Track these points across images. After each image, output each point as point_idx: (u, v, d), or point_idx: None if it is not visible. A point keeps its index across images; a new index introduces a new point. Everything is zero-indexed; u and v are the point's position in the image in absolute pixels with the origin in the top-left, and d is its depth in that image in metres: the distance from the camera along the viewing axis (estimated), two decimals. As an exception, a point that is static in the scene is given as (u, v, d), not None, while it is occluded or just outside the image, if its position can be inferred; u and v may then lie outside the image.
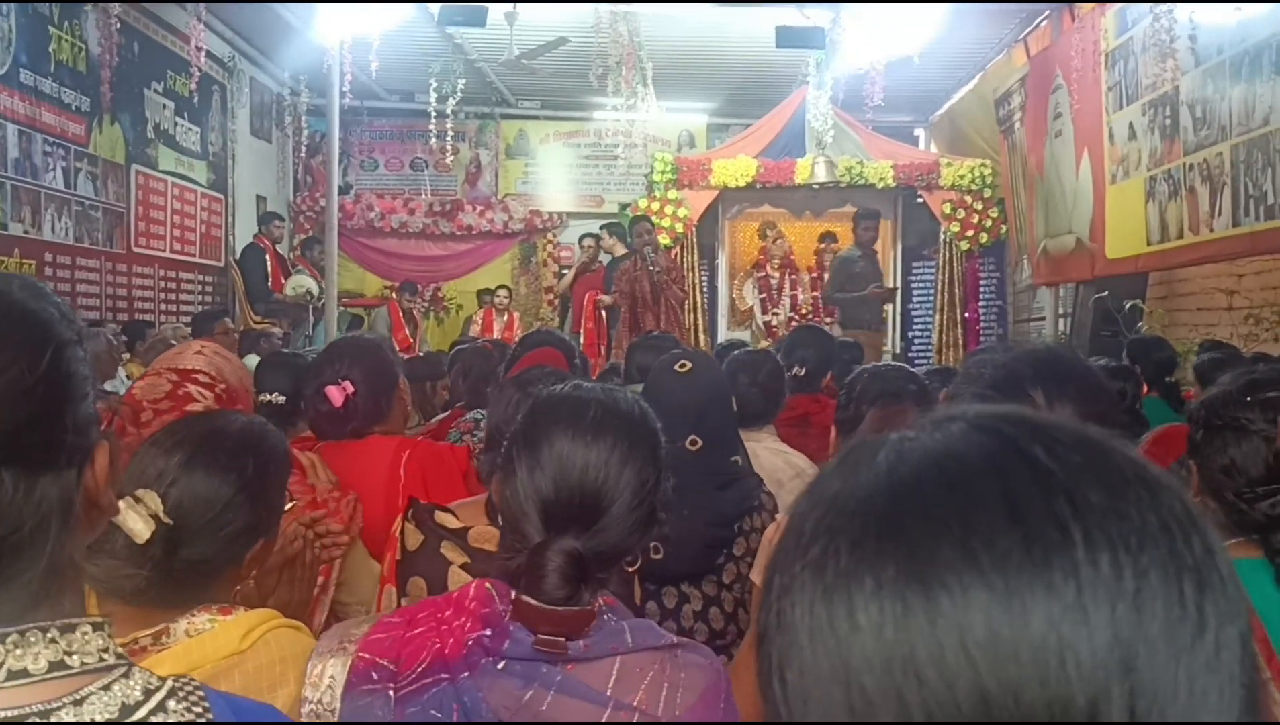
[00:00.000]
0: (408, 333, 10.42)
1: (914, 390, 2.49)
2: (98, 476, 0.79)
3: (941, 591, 0.46)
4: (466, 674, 1.21)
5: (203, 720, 0.76)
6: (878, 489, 0.51)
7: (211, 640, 1.38)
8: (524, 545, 1.26)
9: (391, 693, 1.21)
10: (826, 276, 9.41)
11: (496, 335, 10.04)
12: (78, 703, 0.72)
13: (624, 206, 11.41)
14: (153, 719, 0.74)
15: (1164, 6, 6.31)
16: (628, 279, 8.57)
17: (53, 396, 0.75)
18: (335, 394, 2.45)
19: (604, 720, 1.20)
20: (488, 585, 1.26)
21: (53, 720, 0.71)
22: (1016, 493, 0.48)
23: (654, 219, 9.85)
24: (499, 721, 1.19)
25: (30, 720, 0.70)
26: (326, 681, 1.26)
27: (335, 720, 1.23)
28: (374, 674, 1.22)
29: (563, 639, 1.23)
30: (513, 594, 1.25)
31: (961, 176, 10.29)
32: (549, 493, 1.27)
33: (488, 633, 1.22)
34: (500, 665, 1.21)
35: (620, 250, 10.21)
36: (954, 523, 0.47)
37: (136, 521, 1.33)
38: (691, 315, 10.17)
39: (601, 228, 10.51)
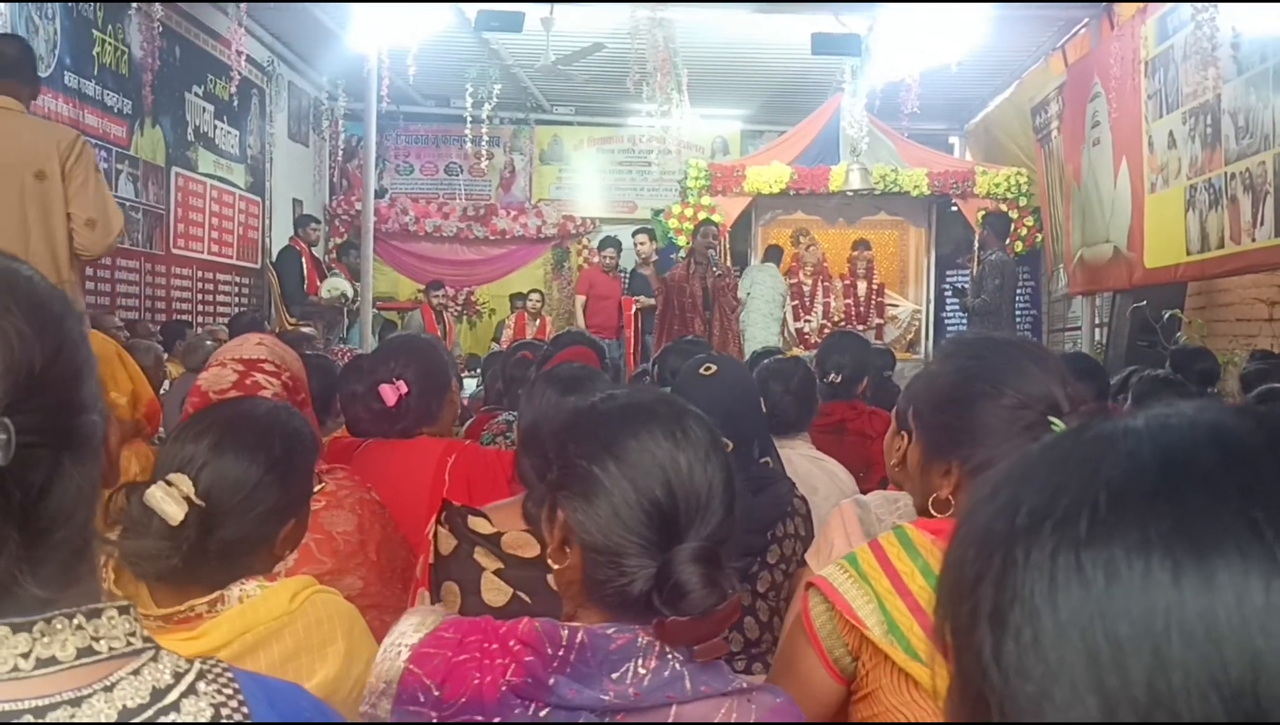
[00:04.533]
0: (440, 334, 10.47)
1: None
2: (111, 453, 0.79)
3: (1217, 555, 0.47)
4: (498, 720, 1.17)
5: (234, 700, 0.76)
6: (1143, 451, 0.51)
7: (263, 603, 1.46)
8: (618, 565, 1.17)
9: (435, 718, 1.20)
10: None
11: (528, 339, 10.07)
12: (109, 689, 0.72)
13: (657, 212, 11.42)
14: (183, 701, 0.74)
15: (1206, 14, 6.23)
16: (677, 280, 8.35)
17: (75, 375, 0.75)
18: (389, 393, 2.45)
19: None
20: (537, 625, 1.19)
21: (84, 707, 0.70)
22: None
23: (685, 225, 9.84)
24: None
25: (62, 706, 0.69)
26: (397, 650, 1.25)
27: (388, 696, 1.23)
28: (420, 695, 1.21)
29: (723, 642, 1.16)
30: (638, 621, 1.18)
31: (997, 185, 10.20)
32: (664, 499, 1.18)
33: (528, 680, 1.16)
34: (544, 713, 1.16)
35: (654, 257, 10.19)
36: (1234, 492, 0.48)
37: (170, 504, 1.38)
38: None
39: (636, 233, 10.49)
